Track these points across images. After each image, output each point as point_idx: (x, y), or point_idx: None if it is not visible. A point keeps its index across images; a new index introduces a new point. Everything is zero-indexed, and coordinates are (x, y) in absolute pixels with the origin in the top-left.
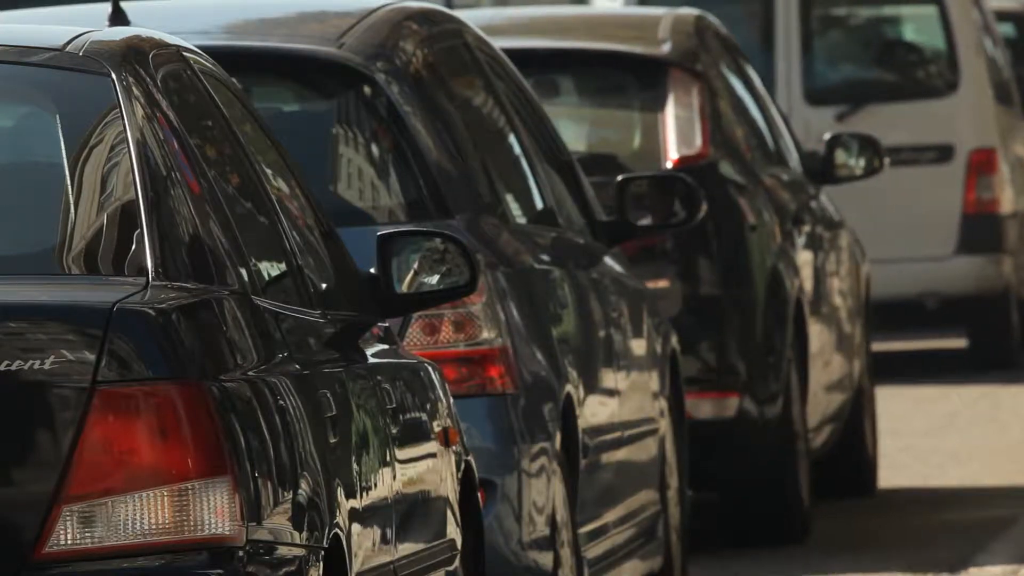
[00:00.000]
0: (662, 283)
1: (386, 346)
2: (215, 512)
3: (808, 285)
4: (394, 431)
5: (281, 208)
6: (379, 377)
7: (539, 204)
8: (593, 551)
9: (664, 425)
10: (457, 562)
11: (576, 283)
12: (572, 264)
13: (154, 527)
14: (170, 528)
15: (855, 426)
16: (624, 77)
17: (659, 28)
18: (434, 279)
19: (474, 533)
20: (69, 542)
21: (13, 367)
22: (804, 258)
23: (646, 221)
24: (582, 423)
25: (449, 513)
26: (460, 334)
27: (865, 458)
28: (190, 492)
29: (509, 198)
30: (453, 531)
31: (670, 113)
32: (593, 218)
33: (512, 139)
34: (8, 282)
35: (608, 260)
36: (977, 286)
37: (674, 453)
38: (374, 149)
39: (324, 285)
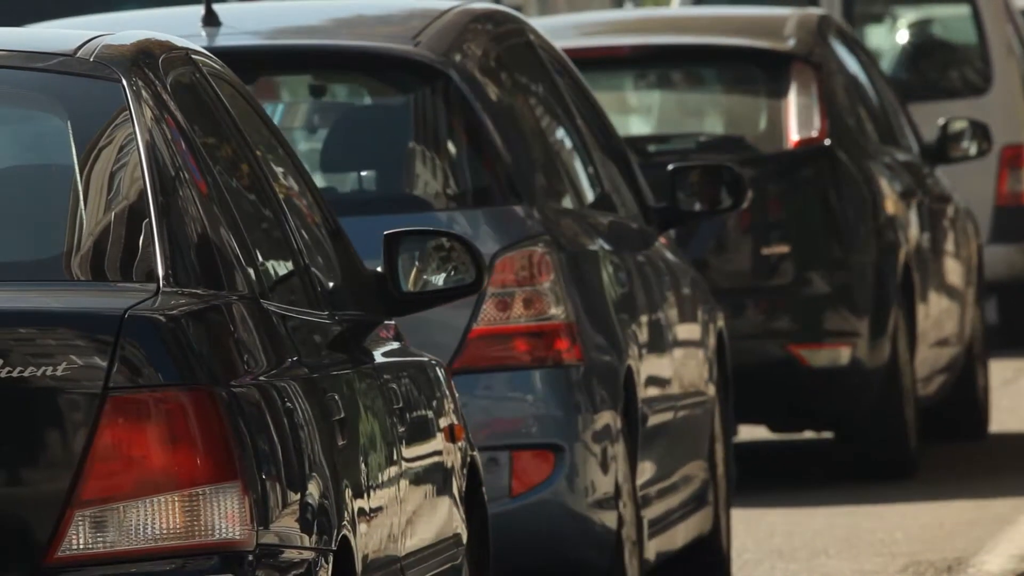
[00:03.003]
0: (782, 248)
1: (394, 345)
2: (225, 517)
3: (918, 252)
4: (401, 430)
5: (289, 208)
6: (386, 376)
7: (597, 191)
8: (651, 513)
9: (713, 400)
10: (462, 557)
11: (632, 264)
12: (628, 247)
13: (165, 532)
14: (181, 533)
15: (967, 377)
16: (752, 69)
17: (785, 26)
18: (440, 278)
19: (479, 527)
20: (81, 546)
21: (26, 373)
22: (915, 228)
23: (695, 207)
24: (641, 394)
25: (454, 508)
26: (530, 310)
27: (976, 406)
28: (200, 497)
29: (570, 185)
30: (459, 526)
31: (792, 100)
32: (646, 204)
33: (571, 130)
34: (20, 288)
35: (660, 244)
36: (1009, 272)
37: (721, 426)
38: (447, 140)
39: (331, 284)
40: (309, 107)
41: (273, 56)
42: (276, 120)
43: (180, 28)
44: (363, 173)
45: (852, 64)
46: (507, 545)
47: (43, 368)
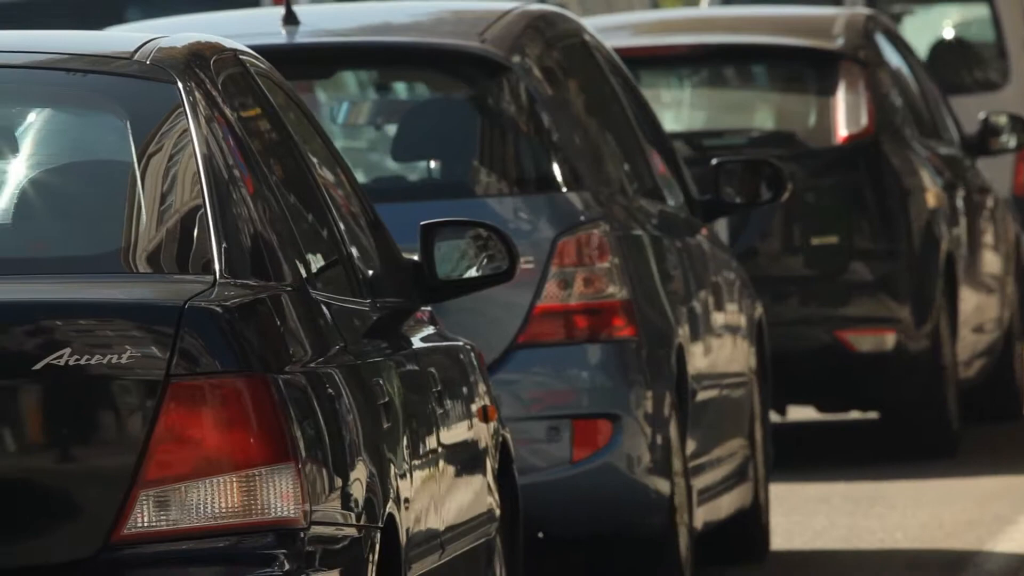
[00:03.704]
0: (831, 239)
1: (431, 330)
2: (279, 496)
3: (960, 241)
4: (439, 412)
5: (332, 201)
6: (425, 361)
7: (647, 181)
8: (699, 483)
9: (753, 380)
10: (495, 532)
11: (679, 251)
12: (676, 234)
13: (223, 510)
14: (238, 511)
15: (1004, 361)
16: (803, 67)
17: (834, 25)
18: (474, 267)
19: (510, 503)
20: (145, 524)
21: (92, 361)
22: (957, 218)
23: (737, 200)
24: (690, 371)
25: (488, 485)
26: (589, 289)
27: (1012, 389)
28: (256, 478)
29: (623, 175)
30: (492, 503)
31: (841, 97)
32: (690, 196)
33: (623, 124)
34: (84, 281)
35: (704, 234)
36: None
37: (760, 406)
38: (511, 130)
39: (371, 273)
40: (381, 100)
41: (349, 53)
42: (343, 115)
43: (261, 27)
44: (432, 162)
45: (896, 60)
46: (568, 508)
47: (109, 356)
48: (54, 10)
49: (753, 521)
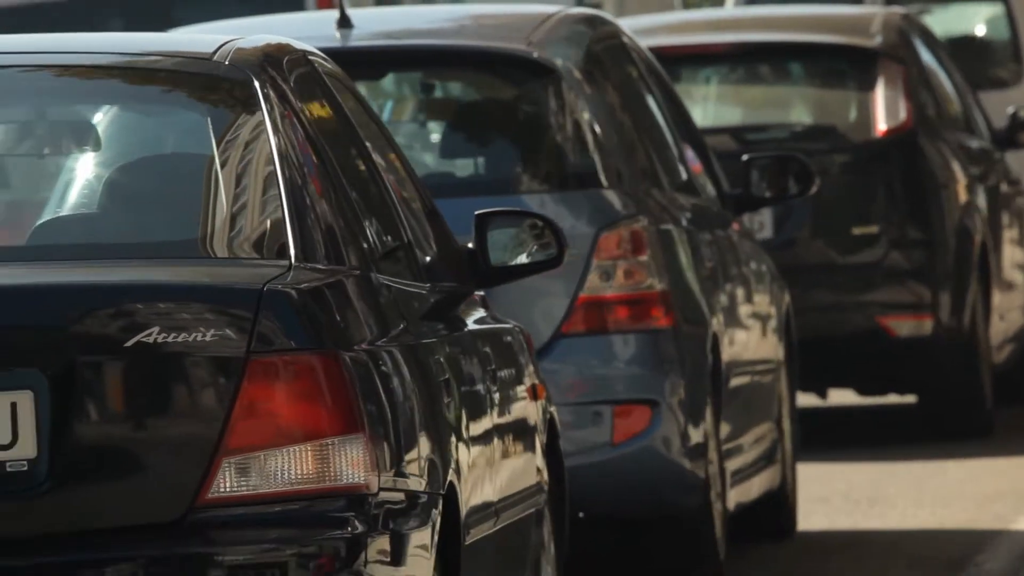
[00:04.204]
0: (871, 228)
1: (483, 313)
2: (351, 464)
3: (992, 231)
4: (493, 389)
5: (393, 191)
6: (479, 342)
7: (681, 176)
8: (731, 465)
9: (781, 367)
10: (544, 502)
11: (713, 243)
12: (709, 227)
13: (299, 477)
14: (313, 478)
15: None
16: (843, 64)
17: (872, 24)
18: (524, 255)
19: (557, 477)
20: (228, 489)
21: (179, 339)
22: (989, 209)
23: (766, 194)
24: (724, 357)
25: (538, 459)
26: (629, 280)
27: None
28: (329, 447)
29: (660, 171)
30: (541, 475)
31: (880, 92)
32: (721, 190)
33: (659, 122)
34: (170, 265)
35: (735, 227)
36: None
37: (787, 391)
38: (554, 130)
39: (428, 259)
40: (430, 100)
41: (400, 55)
42: (387, 114)
43: (317, 30)
44: (479, 160)
45: (929, 58)
46: (608, 489)
47: (194, 335)
48: (101, 9)
49: (781, 502)
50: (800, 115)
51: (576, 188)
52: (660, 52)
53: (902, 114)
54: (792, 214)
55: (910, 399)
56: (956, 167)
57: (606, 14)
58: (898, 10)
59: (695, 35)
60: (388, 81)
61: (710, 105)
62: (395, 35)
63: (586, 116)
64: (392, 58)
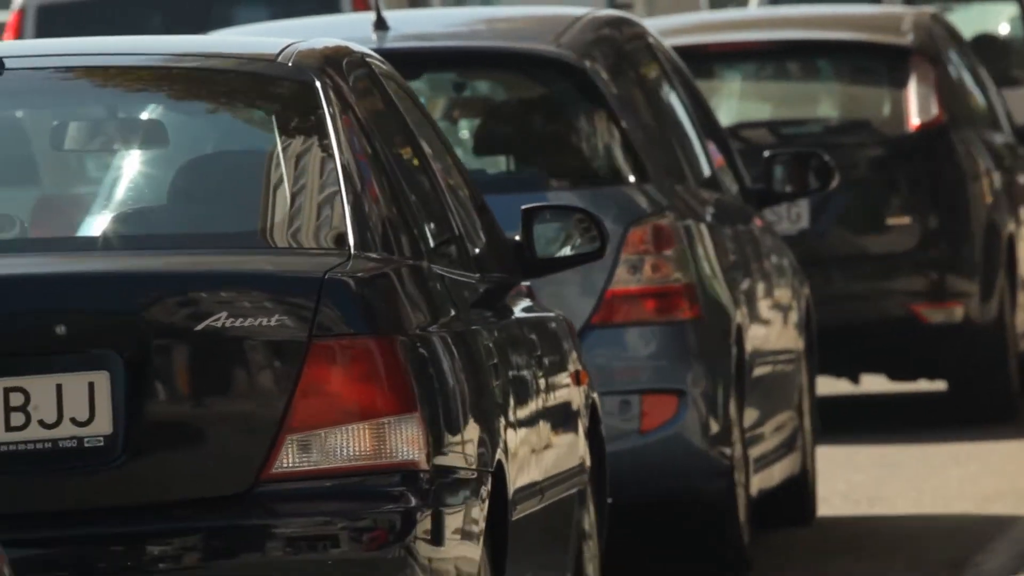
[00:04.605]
0: (904, 219)
1: (529, 302)
2: (406, 442)
3: (1019, 222)
4: (539, 374)
5: (444, 186)
6: (525, 329)
7: (705, 172)
8: (754, 453)
9: (801, 357)
10: (587, 483)
11: (736, 237)
12: (733, 221)
13: (357, 454)
14: (370, 454)
15: None
16: (876, 61)
17: (902, 23)
18: (568, 247)
19: (598, 458)
20: (291, 465)
21: (245, 324)
22: (1015, 202)
23: (787, 189)
24: (747, 348)
25: (580, 440)
26: (656, 274)
27: None
28: (386, 426)
29: (685, 167)
30: (583, 455)
31: (912, 89)
32: (744, 186)
33: (684, 119)
34: (236, 255)
35: (757, 221)
36: None
37: (807, 380)
38: (583, 128)
39: (478, 250)
40: (463, 100)
41: (436, 56)
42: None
43: (354, 31)
44: (511, 157)
45: (956, 56)
46: (637, 475)
47: (259, 319)
48: (143, 8)
49: (801, 488)
50: (835, 110)
51: (604, 185)
52: (698, 49)
53: (934, 110)
54: (828, 205)
55: (909, 386)
56: (984, 161)
57: (633, 16)
58: (927, 9)
59: (733, 33)
60: (422, 81)
61: (748, 101)
62: (429, 37)
63: (614, 114)
64: (426, 59)
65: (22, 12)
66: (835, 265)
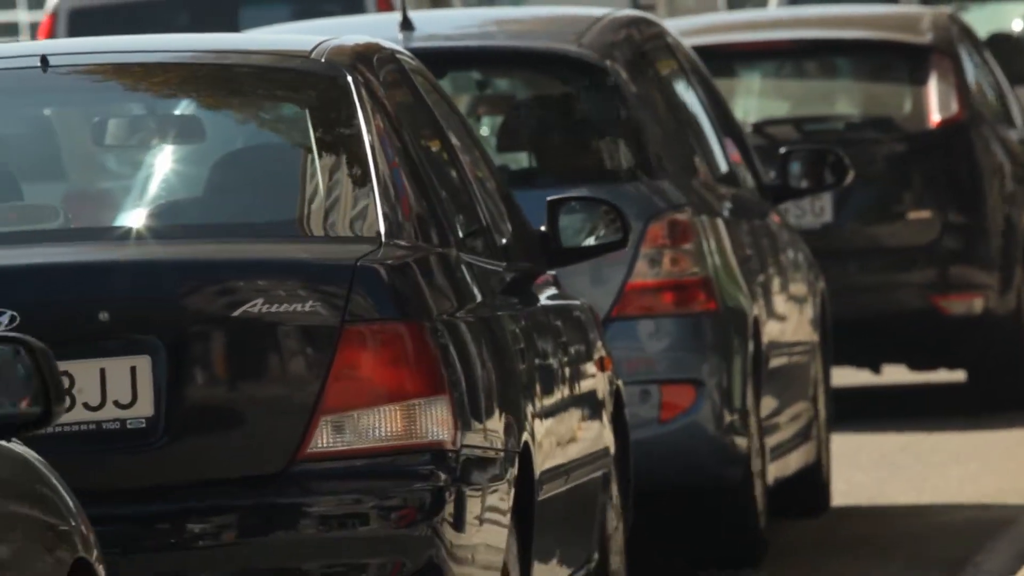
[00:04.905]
0: (926, 213)
1: (555, 290)
2: (435, 423)
3: None
4: (564, 360)
5: (472, 177)
6: (551, 316)
7: (722, 168)
8: (770, 442)
9: (816, 349)
10: (611, 466)
11: (753, 231)
12: (750, 216)
13: (388, 434)
14: (400, 435)
15: None
16: (897, 59)
17: (921, 22)
18: (592, 237)
19: (621, 442)
20: (325, 445)
21: (280, 309)
22: None
23: (803, 185)
24: (764, 339)
25: (604, 425)
26: (675, 267)
27: None
28: (416, 407)
29: (703, 163)
30: (607, 440)
31: (932, 86)
32: (760, 181)
33: (702, 115)
34: (271, 243)
35: (773, 215)
36: None
37: (822, 371)
38: (604, 125)
39: (505, 240)
40: (487, 98)
41: (460, 56)
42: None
43: (381, 31)
44: (533, 154)
45: (971, 54)
46: (656, 463)
47: (294, 305)
48: (171, 11)
49: (816, 477)
50: (857, 107)
51: (624, 181)
52: (724, 48)
53: (954, 106)
54: (851, 199)
55: (929, 376)
56: (1002, 157)
57: (653, 16)
58: (944, 9)
59: (757, 32)
60: (447, 80)
61: (773, 99)
62: (454, 37)
63: (634, 112)
64: (451, 58)
65: (54, 15)
66: (857, 257)
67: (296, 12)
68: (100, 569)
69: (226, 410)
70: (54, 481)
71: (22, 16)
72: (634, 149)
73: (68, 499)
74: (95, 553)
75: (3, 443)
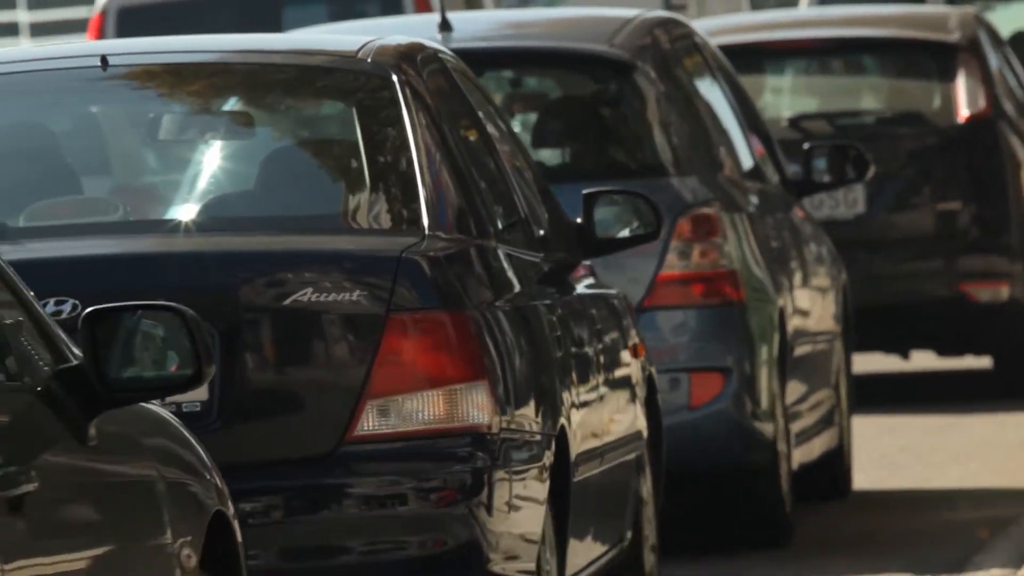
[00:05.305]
0: (954, 204)
1: (590, 280)
2: (476, 407)
3: None
4: (599, 346)
5: (511, 171)
6: (587, 304)
7: (749, 164)
8: (795, 427)
9: (839, 338)
10: (644, 449)
11: (777, 224)
12: (774, 210)
13: (431, 418)
14: (443, 418)
15: None
16: (927, 57)
17: (948, 22)
18: (626, 229)
19: (654, 425)
20: (371, 428)
21: (328, 298)
22: None
23: (825, 179)
24: (789, 329)
25: (638, 409)
26: (704, 259)
27: None
28: (457, 392)
29: (730, 159)
30: (640, 424)
31: (961, 83)
32: (784, 176)
33: (729, 113)
34: (321, 235)
35: (796, 209)
36: None
37: (843, 359)
38: (636, 123)
39: (542, 232)
40: (522, 96)
41: (497, 55)
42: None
43: (421, 32)
44: (567, 150)
45: (995, 52)
46: (686, 448)
47: (342, 295)
48: (219, 10)
49: (838, 463)
50: (888, 103)
51: (655, 176)
52: (762, 46)
53: (981, 102)
54: (883, 191)
55: (956, 362)
56: None
57: (682, 17)
58: (970, 9)
59: (791, 31)
60: (483, 79)
61: (806, 95)
62: (490, 37)
63: (664, 110)
64: (488, 58)
65: (103, 13)
66: (888, 247)
67: (333, 13)
68: (235, 523)
69: (277, 395)
70: (191, 439)
71: (22, 16)
72: (663, 146)
73: (204, 455)
74: (230, 506)
75: (145, 405)
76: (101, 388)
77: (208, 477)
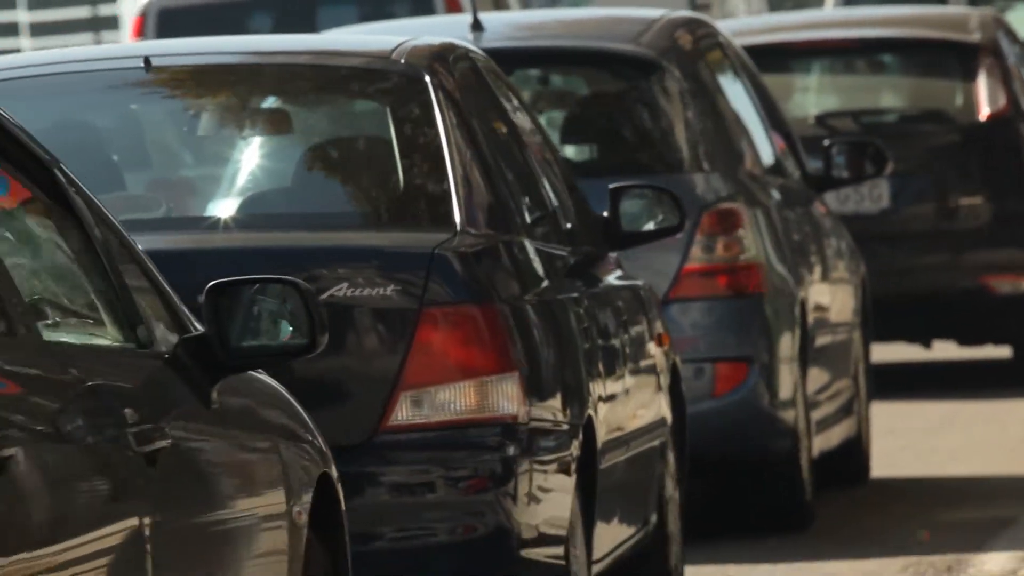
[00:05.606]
0: (976, 199)
1: (617, 272)
2: (506, 398)
3: None
4: (625, 337)
5: (540, 168)
6: (613, 296)
7: (771, 160)
8: (815, 416)
9: (857, 329)
10: (668, 436)
11: (798, 219)
12: (795, 204)
13: (463, 408)
14: (474, 409)
15: None
16: (948, 56)
17: (969, 22)
18: (651, 223)
19: (678, 413)
20: (405, 418)
21: (363, 293)
22: None
23: (844, 175)
24: (809, 320)
25: (662, 397)
26: (728, 252)
27: None
28: (488, 384)
29: (752, 154)
30: (665, 411)
31: (982, 82)
32: (805, 171)
33: (751, 110)
34: (355, 231)
35: (817, 204)
36: None
37: (862, 351)
38: (661, 120)
39: (570, 226)
40: (551, 93)
41: (528, 55)
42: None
43: (454, 32)
44: (594, 146)
45: (1014, 52)
46: (710, 435)
47: (376, 289)
48: (255, 11)
49: (857, 451)
50: (912, 101)
51: (680, 172)
52: (789, 46)
53: (1001, 101)
54: (907, 186)
55: (977, 352)
56: None
57: (706, 16)
58: (989, 10)
59: (816, 31)
60: (513, 77)
61: (832, 93)
62: (520, 37)
63: (689, 107)
64: (517, 57)
65: (144, 15)
66: (911, 240)
67: (364, 14)
68: (338, 485)
69: (314, 386)
70: (297, 406)
71: (22, 16)
72: (688, 142)
73: (309, 421)
74: (333, 469)
75: (253, 374)
76: (223, 355)
77: (315, 441)
